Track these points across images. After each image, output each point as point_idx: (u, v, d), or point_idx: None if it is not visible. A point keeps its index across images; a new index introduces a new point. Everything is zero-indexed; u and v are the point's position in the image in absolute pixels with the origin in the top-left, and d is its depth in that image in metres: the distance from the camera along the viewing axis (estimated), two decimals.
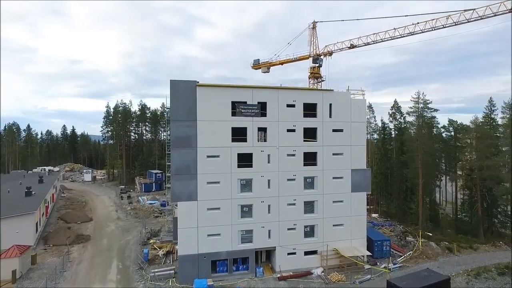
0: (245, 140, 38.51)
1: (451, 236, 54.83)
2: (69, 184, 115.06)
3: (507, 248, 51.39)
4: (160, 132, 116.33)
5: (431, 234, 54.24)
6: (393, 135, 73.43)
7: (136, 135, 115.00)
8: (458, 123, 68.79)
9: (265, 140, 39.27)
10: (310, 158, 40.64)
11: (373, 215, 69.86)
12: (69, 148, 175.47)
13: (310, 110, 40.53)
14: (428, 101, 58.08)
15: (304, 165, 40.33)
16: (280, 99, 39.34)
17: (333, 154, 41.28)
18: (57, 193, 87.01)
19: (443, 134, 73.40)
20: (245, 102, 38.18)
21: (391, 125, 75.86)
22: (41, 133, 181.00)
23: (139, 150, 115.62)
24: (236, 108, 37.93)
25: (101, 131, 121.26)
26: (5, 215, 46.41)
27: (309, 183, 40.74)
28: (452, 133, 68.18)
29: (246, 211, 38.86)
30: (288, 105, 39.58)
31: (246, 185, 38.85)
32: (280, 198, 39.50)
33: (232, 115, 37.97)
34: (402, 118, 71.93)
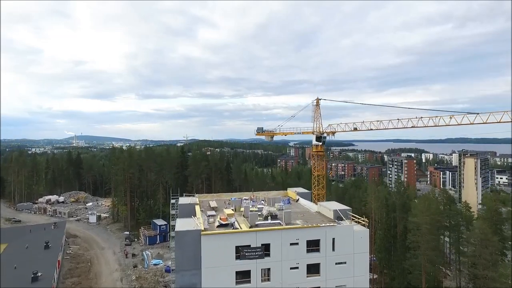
0: (249, 282, 38.90)
1: None
2: (74, 226, 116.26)
3: None
4: (164, 177, 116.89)
5: None
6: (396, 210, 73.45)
7: (140, 180, 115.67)
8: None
9: (268, 280, 39.65)
10: None
11: None
12: (74, 173, 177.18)
13: (313, 246, 40.89)
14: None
15: None
16: (284, 239, 39.67)
17: (336, 286, 41.69)
18: (63, 249, 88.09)
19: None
20: (249, 246, 38.61)
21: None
22: (47, 160, 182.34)
23: (143, 194, 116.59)
24: (240, 252, 38.38)
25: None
26: None
27: None
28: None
29: None
30: (292, 244, 39.97)
31: None
32: None
33: (236, 259, 38.43)
34: (406, 194, 72.10)
